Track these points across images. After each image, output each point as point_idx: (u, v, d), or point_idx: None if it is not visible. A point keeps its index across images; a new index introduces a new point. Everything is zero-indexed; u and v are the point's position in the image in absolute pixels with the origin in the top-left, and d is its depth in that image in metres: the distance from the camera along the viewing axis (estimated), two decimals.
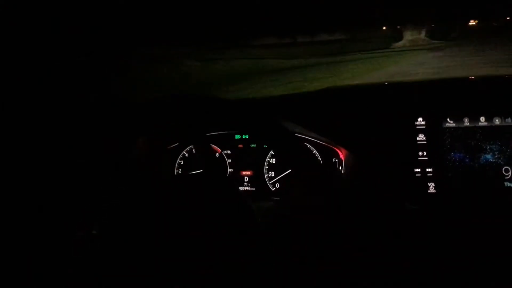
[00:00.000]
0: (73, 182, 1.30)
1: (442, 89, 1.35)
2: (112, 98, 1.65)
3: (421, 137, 1.28)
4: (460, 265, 1.10)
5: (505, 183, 1.22)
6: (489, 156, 1.23)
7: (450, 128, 1.26)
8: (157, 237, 1.26)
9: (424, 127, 1.28)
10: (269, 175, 1.42)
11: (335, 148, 1.37)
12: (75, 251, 1.20)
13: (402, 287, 1.10)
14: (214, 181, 1.40)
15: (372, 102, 1.34)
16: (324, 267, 1.13)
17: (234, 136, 1.43)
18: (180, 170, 1.46)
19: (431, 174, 1.27)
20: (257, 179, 1.43)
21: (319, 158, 1.36)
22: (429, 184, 1.27)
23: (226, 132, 1.43)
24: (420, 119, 1.28)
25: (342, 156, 1.36)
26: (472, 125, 1.24)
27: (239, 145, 1.42)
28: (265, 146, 1.40)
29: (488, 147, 1.23)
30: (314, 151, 1.37)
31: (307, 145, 1.36)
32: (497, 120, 1.23)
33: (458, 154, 1.25)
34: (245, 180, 1.43)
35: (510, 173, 1.22)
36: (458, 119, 1.25)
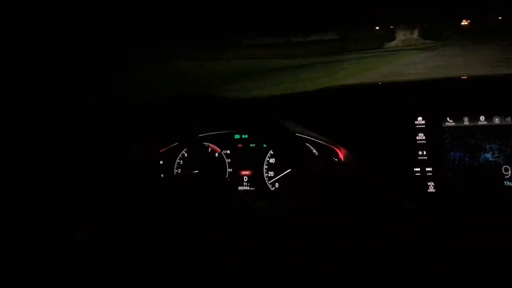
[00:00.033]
0: (73, 182, 1.30)
1: (442, 88, 1.35)
2: (112, 98, 1.65)
3: (420, 136, 1.28)
4: (460, 264, 1.10)
5: (505, 182, 1.22)
6: (488, 155, 1.23)
7: (449, 127, 1.26)
8: (156, 237, 1.26)
9: (424, 126, 1.28)
10: (269, 175, 1.42)
11: (335, 148, 1.37)
12: (75, 251, 1.20)
13: (401, 287, 1.10)
14: (209, 181, 1.40)
15: (372, 102, 1.34)
16: (323, 266, 1.13)
17: (234, 136, 1.43)
18: (179, 170, 1.46)
19: (430, 174, 1.27)
20: (257, 179, 1.43)
21: (319, 158, 1.36)
22: (428, 184, 1.27)
23: (226, 132, 1.43)
24: (419, 118, 1.28)
25: (342, 156, 1.36)
26: (472, 124, 1.24)
27: (239, 145, 1.43)
28: (264, 145, 1.40)
29: (487, 146, 1.23)
30: (314, 151, 1.37)
31: (306, 145, 1.36)
32: (496, 119, 1.23)
33: (458, 153, 1.25)
34: (245, 180, 1.43)
35: (509, 172, 1.22)
36: (457, 118, 1.25)
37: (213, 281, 1.13)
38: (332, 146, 1.37)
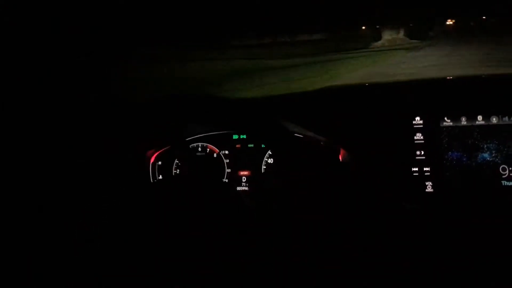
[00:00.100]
0: (73, 182, 1.30)
1: (440, 88, 1.35)
2: (112, 98, 1.65)
3: (418, 136, 1.28)
4: (458, 264, 1.10)
5: (502, 181, 1.23)
6: (486, 155, 1.23)
7: (447, 127, 1.26)
8: (155, 238, 1.26)
9: (422, 126, 1.28)
10: (267, 175, 1.42)
11: (333, 148, 1.37)
12: (75, 251, 1.21)
13: (400, 286, 1.10)
14: (207, 182, 1.40)
15: (370, 102, 1.34)
16: (322, 266, 1.14)
17: (232, 136, 1.43)
18: (178, 170, 1.46)
19: (428, 173, 1.27)
20: (255, 179, 1.43)
21: (317, 158, 1.36)
22: (426, 183, 1.27)
23: (224, 132, 1.43)
24: (417, 118, 1.28)
25: (340, 156, 1.36)
26: (470, 124, 1.24)
27: (237, 145, 1.43)
28: (262, 146, 1.40)
29: (485, 146, 1.23)
30: (312, 151, 1.37)
31: (305, 145, 1.36)
32: (494, 119, 1.23)
33: (456, 153, 1.25)
34: (243, 180, 1.43)
35: (507, 171, 1.22)
36: (455, 118, 1.25)
37: (213, 281, 1.13)
38: (330, 146, 1.37)
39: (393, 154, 1.28)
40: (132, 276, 1.17)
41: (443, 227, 1.18)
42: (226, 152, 1.43)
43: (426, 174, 1.27)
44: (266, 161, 1.42)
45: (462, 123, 1.25)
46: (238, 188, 1.43)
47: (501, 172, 1.23)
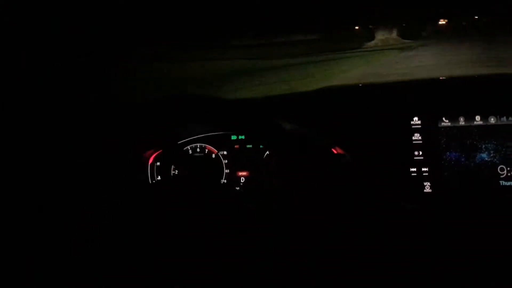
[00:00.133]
0: (73, 182, 1.31)
1: (438, 88, 1.35)
2: (112, 98, 1.66)
3: (416, 136, 1.28)
4: (456, 264, 1.10)
5: (501, 182, 1.23)
6: (484, 155, 1.23)
7: (445, 127, 1.26)
8: (153, 238, 1.27)
9: (420, 126, 1.28)
10: (266, 176, 1.42)
11: (331, 148, 1.37)
12: (74, 251, 1.21)
13: (399, 285, 1.11)
14: (206, 182, 1.40)
15: (368, 102, 1.34)
16: (321, 265, 1.14)
17: (230, 137, 1.43)
18: (176, 171, 1.46)
19: (427, 174, 1.27)
20: (254, 180, 1.43)
21: (316, 158, 1.36)
22: (425, 184, 1.27)
23: (222, 132, 1.43)
24: (415, 118, 1.28)
25: (338, 156, 1.36)
26: (468, 124, 1.24)
27: (235, 146, 1.42)
28: (261, 146, 1.40)
29: (483, 146, 1.24)
30: (311, 151, 1.37)
31: (303, 146, 1.36)
32: (492, 119, 1.23)
33: (454, 154, 1.25)
34: (242, 181, 1.43)
35: (505, 172, 1.22)
36: (453, 118, 1.25)
37: (212, 282, 1.13)
38: (329, 147, 1.37)
39: (391, 154, 1.28)
40: (132, 276, 1.17)
41: (442, 227, 1.18)
42: (225, 152, 1.43)
43: (424, 174, 1.27)
44: (265, 162, 1.42)
45: (460, 123, 1.25)
46: (237, 189, 1.43)
47: (499, 172, 1.23)
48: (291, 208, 1.31)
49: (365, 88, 1.50)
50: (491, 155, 1.23)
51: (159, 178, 1.44)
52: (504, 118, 1.22)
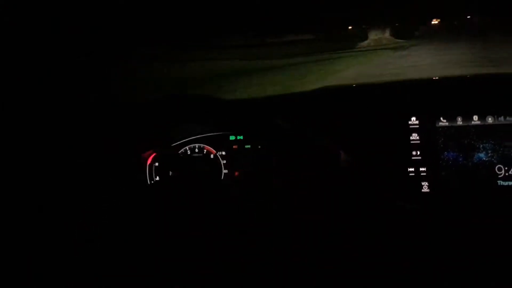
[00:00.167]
0: (73, 182, 1.31)
1: (435, 88, 1.35)
2: (112, 98, 1.66)
3: (414, 136, 1.28)
4: (455, 263, 1.11)
5: (498, 181, 1.23)
6: (482, 155, 1.23)
7: (443, 127, 1.26)
8: (152, 239, 1.27)
9: (418, 126, 1.28)
10: (264, 176, 1.42)
11: (330, 148, 1.37)
12: (74, 251, 1.21)
13: (398, 285, 1.11)
14: (204, 183, 1.40)
15: (366, 102, 1.34)
16: (320, 265, 1.14)
17: (229, 137, 1.43)
18: (174, 172, 1.46)
19: (424, 174, 1.27)
20: (252, 180, 1.43)
21: (314, 158, 1.36)
22: (422, 184, 1.27)
23: (221, 133, 1.43)
24: (413, 118, 1.28)
25: (337, 156, 1.36)
26: (465, 124, 1.24)
27: (234, 146, 1.42)
28: (259, 146, 1.40)
29: (481, 146, 1.23)
30: (309, 151, 1.38)
31: (302, 146, 1.36)
32: (490, 119, 1.23)
33: (452, 153, 1.25)
34: (240, 181, 1.43)
35: (503, 171, 1.22)
36: (451, 118, 1.25)
37: (212, 282, 1.14)
38: (327, 147, 1.37)
39: (389, 154, 1.28)
40: (131, 277, 1.18)
41: (439, 227, 1.19)
42: (223, 153, 1.43)
43: (422, 174, 1.27)
44: (263, 162, 1.42)
45: (458, 123, 1.25)
46: (235, 189, 1.43)
47: (497, 172, 1.23)
48: (290, 208, 1.31)
49: (363, 88, 1.50)
50: (489, 155, 1.23)
51: (157, 178, 1.44)
52: (502, 118, 1.22)
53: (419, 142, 1.28)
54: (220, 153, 1.43)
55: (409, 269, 1.11)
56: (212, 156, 1.43)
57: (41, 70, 1.57)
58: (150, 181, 1.44)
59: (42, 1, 1.44)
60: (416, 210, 1.24)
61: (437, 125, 1.26)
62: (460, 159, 1.25)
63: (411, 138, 1.28)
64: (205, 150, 1.43)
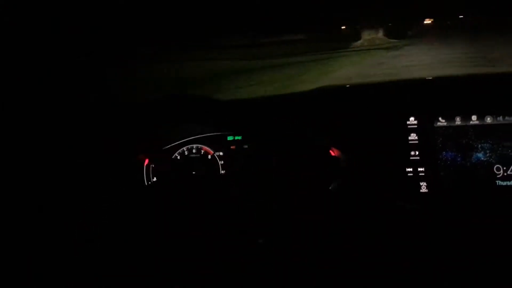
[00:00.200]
0: (73, 182, 1.31)
1: (434, 88, 1.35)
2: (112, 98, 1.66)
3: (413, 136, 1.28)
4: (453, 263, 1.11)
5: (497, 181, 1.23)
6: (480, 155, 1.23)
7: (441, 127, 1.26)
8: (151, 239, 1.28)
9: (416, 126, 1.28)
10: (262, 176, 1.42)
11: (328, 148, 1.37)
12: (73, 251, 1.22)
13: (397, 285, 1.11)
14: (202, 183, 1.40)
15: (364, 102, 1.34)
16: (320, 264, 1.14)
17: (227, 138, 1.43)
18: (172, 173, 1.46)
19: (423, 174, 1.27)
20: (250, 180, 1.43)
21: (313, 158, 1.36)
22: (421, 184, 1.27)
23: (219, 133, 1.43)
24: (412, 118, 1.28)
25: (335, 156, 1.37)
26: (464, 124, 1.24)
27: (232, 147, 1.42)
28: (257, 147, 1.40)
29: (479, 145, 1.23)
30: (308, 151, 1.38)
31: (300, 146, 1.36)
32: (488, 119, 1.23)
33: (450, 153, 1.25)
34: (238, 182, 1.43)
35: (501, 171, 1.22)
36: (449, 118, 1.25)
37: (211, 282, 1.14)
38: (325, 147, 1.37)
39: (387, 154, 1.28)
40: (130, 277, 1.18)
41: (438, 227, 1.19)
42: (221, 153, 1.43)
43: (420, 174, 1.27)
44: (261, 162, 1.42)
45: (456, 123, 1.25)
46: (233, 190, 1.43)
47: (496, 172, 1.23)
48: (289, 208, 1.31)
49: (362, 88, 1.50)
50: (487, 154, 1.23)
51: (154, 179, 1.45)
52: (501, 118, 1.22)
53: (417, 142, 1.28)
54: (218, 153, 1.43)
55: (408, 269, 1.11)
56: (209, 156, 1.43)
57: (41, 70, 1.57)
58: (147, 182, 1.44)
59: (42, 1, 1.45)
60: (414, 210, 1.24)
61: (435, 125, 1.26)
62: (459, 159, 1.25)
63: (409, 138, 1.28)
64: (202, 151, 1.43)
